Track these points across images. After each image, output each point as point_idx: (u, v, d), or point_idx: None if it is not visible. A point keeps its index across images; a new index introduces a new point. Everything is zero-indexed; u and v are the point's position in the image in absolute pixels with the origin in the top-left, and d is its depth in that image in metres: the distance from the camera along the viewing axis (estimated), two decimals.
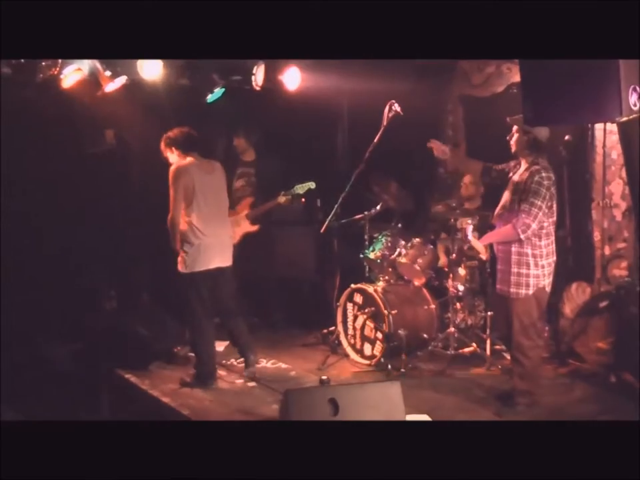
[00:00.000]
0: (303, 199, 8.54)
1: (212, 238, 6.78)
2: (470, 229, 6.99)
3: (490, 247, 6.68)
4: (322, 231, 7.81)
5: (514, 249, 6.00)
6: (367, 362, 7.47)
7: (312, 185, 8.05)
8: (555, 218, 6.04)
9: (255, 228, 8.23)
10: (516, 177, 6.11)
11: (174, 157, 6.85)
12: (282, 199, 8.05)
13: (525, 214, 5.87)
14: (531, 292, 5.97)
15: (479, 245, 6.69)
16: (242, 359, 7.30)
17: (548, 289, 6.09)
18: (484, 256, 6.97)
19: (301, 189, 8.06)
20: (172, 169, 6.73)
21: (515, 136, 6.06)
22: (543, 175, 5.88)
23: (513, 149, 6.11)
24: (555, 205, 5.99)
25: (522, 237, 5.90)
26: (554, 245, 6.09)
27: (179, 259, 6.77)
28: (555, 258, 6.11)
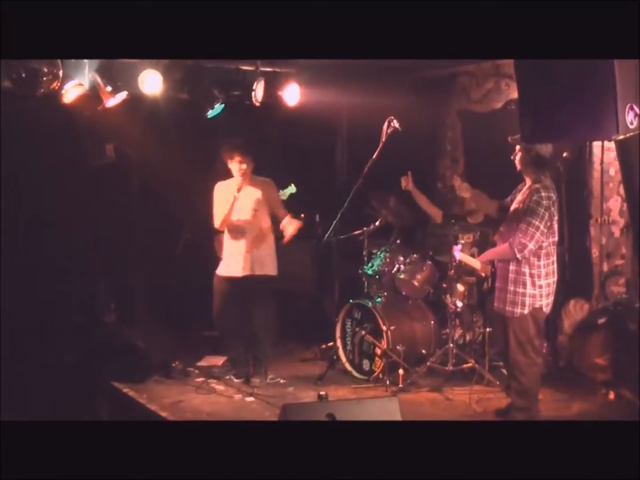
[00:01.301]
0: (302, 214, 8.53)
1: None
2: (458, 248, 7.00)
3: (493, 262, 6.67)
4: (321, 244, 7.83)
5: (512, 267, 5.99)
6: (365, 377, 7.48)
7: (292, 189, 8.02)
8: (555, 238, 6.02)
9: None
10: (519, 196, 6.11)
11: (247, 168, 7.23)
12: None
13: (521, 233, 5.85)
14: (526, 311, 5.95)
15: (475, 262, 6.67)
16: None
17: (546, 309, 6.06)
18: (483, 273, 6.97)
19: (283, 195, 8.04)
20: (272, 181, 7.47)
21: (519, 155, 6.06)
22: (542, 194, 5.86)
23: (518, 167, 6.09)
24: (555, 225, 5.97)
25: (518, 256, 5.89)
26: (555, 265, 6.06)
27: (272, 261, 7.44)
28: (555, 278, 6.08)
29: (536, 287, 5.93)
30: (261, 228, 7.35)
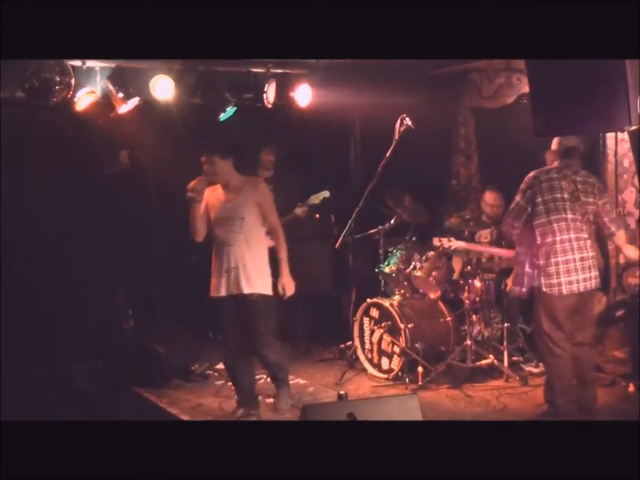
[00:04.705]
0: (317, 215, 8.56)
1: None
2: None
3: None
4: (337, 246, 7.86)
5: (516, 250, 6.16)
6: (385, 376, 7.48)
7: (326, 193, 8.07)
8: (553, 217, 5.81)
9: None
10: None
11: (212, 172, 6.26)
12: (299, 211, 8.06)
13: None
14: (524, 290, 5.99)
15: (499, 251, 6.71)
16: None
17: (548, 289, 5.81)
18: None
19: (316, 198, 8.07)
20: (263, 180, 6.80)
21: (555, 146, 6.04)
22: (530, 175, 5.93)
23: (549, 161, 6.09)
24: (551, 205, 5.81)
25: (504, 229, 6.10)
26: (562, 244, 5.80)
27: (263, 278, 6.33)
28: (566, 257, 5.80)
29: (533, 267, 5.92)
30: (248, 240, 6.22)
